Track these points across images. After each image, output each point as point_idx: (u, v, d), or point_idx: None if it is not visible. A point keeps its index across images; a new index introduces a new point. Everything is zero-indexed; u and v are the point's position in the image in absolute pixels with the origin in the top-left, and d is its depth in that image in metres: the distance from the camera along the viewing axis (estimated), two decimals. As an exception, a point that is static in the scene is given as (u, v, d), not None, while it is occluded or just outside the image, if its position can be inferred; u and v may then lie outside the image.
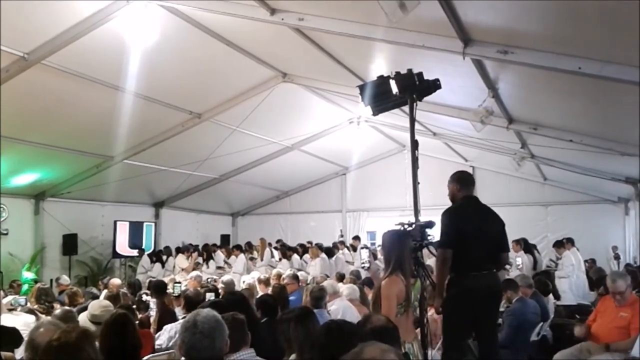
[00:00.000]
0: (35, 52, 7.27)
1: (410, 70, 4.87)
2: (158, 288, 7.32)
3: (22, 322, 5.45)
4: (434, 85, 4.92)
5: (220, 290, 7.95)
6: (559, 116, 8.60)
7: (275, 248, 15.11)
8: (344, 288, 7.10)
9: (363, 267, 10.56)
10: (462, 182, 4.92)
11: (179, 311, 6.79)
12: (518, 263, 10.55)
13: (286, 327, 3.59)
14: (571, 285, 10.62)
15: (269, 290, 7.40)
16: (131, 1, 6.69)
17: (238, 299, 4.78)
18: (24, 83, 7.80)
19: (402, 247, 4.35)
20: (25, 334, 4.56)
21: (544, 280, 8.43)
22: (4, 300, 6.44)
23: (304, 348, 3.45)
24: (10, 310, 6.07)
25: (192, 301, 5.87)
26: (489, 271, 4.72)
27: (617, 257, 13.56)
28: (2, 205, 11.84)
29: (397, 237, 4.46)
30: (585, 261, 11.96)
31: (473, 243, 4.61)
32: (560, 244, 11.52)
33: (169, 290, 7.74)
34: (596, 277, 9.78)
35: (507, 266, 10.67)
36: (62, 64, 7.79)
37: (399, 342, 3.27)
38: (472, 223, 4.69)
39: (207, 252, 14.70)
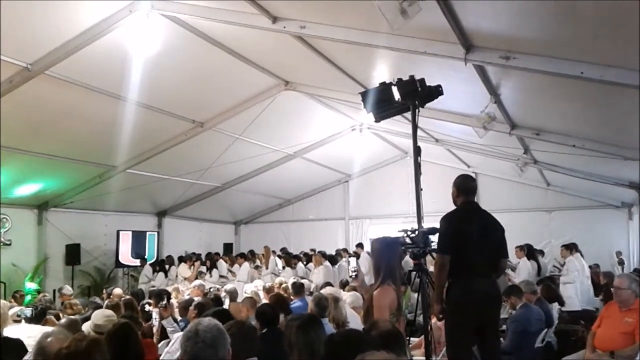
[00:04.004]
0: (39, 63, 7.31)
1: (412, 77, 4.87)
2: (160, 297, 7.30)
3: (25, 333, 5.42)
4: (436, 91, 4.92)
5: (223, 299, 7.94)
6: (562, 121, 8.59)
7: (279, 256, 15.10)
8: (347, 296, 7.07)
9: (351, 276, 10.56)
10: (460, 188, 4.89)
11: (166, 323, 6.75)
12: (511, 271, 10.60)
13: (289, 333, 3.58)
14: (577, 291, 10.56)
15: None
16: (133, 11, 6.72)
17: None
18: (27, 93, 7.82)
19: (392, 254, 4.30)
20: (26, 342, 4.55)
21: (550, 287, 8.39)
22: (10, 312, 6.43)
23: (302, 355, 3.43)
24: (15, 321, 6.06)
25: (205, 309, 5.84)
26: (487, 277, 4.69)
27: (621, 263, 13.50)
28: (5, 216, 11.87)
29: (387, 245, 4.41)
30: (590, 267, 11.90)
31: (471, 248, 4.57)
32: (568, 248, 11.35)
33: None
34: (605, 282, 9.74)
35: (510, 272, 10.69)
36: (65, 74, 7.81)
37: (404, 348, 3.26)
38: (470, 228, 4.65)
39: (210, 261, 14.68)
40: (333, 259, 13.56)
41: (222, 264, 14.63)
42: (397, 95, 4.88)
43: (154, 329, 7.05)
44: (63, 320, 5.47)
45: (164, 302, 7.03)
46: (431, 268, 4.93)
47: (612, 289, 5.68)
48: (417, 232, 4.57)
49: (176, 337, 5.78)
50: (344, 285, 9.50)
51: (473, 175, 14.55)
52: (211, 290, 9.76)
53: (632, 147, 8.24)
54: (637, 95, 5.35)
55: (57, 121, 9.27)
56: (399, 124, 9.69)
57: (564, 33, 5.14)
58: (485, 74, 6.81)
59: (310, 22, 6.34)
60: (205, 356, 2.67)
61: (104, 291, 10.41)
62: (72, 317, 6.11)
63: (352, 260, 12.64)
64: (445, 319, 4.68)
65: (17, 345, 4.53)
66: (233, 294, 8.33)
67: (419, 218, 4.69)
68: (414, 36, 5.75)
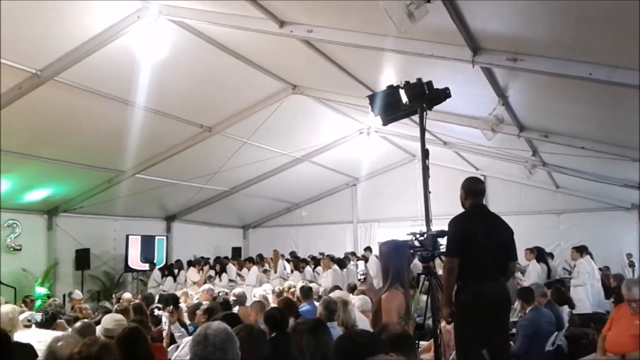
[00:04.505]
0: (48, 69, 7.36)
1: (419, 80, 4.87)
2: (167, 303, 7.31)
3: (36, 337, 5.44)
4: (444, 94, 4.92)
5: (232, 303, 7.94)
6: (570, 123, 8.55)
7: (287, 260, 15.10)
8: (355, 299, 7.06)
9: (359, 280, 10.52)
10: (469, 191, 4.86)
11: (173, 328, 6.75)
12: (521, 273, 10.54)
13: (299, 338, 3.58)
14: (587, 294, 10.48)
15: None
16: (142, 17, 6.76)
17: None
18: (36, 99, 7.88)
19: (400, 257, 4.30)
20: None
21: (560, 289, 8.34)
22: (21, 317, 6.46)
23: (314, 359, 3.44)
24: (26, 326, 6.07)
25: (214, 313, 5.85)
26: (496, 280, 4.67)
27: (631, 265, 13.41)
28: (15, 221, 11.95)
29: (395, 248, 4.40)
30: (600, 269, 11.82)
31: (480, 251, 4.54)
32: (579, 250, 11.26)
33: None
34: (616, 284, 9.66)
35: (519, 275, 10.65)
36: (73, 80, 7.86)
37: (414, 350, 3.26)
38: (479, 231, 4.62)
39: (220, 265, 14.71)
40: (341, 263, 13.54)
41: (231, 268, 14.64)
42: (404, 98, 4.89)
43: (164, 333, 7.06)
44: (77, 324, 5.48)
45: (171, 307, 7.06)
46: (440, 271, 4.91)
47: (626, 301, 5.54)
48: (425, 235, 4.56)
49: (185, 342, 5.79)
50: (352, 288, 9.47)
51: (481, 177, 14.47)
52: (220, 294, 9.76)
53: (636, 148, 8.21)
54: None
55: (66, 127, 9.33)
56: (406, 127, 9.68)
57: (571, 34, 5.11)
58: (493, 76, 6.80)
59: (317, 26, 6.35)
60: (215, 360, 2.67)
61: (114, 295, 10.45)
62: (86, 320, 6.12)
63: (361, 263, 12.67)
64: (455, 322, 4.66)
65: (28, 350, 4.55)
66: (242, 298, 8.32)
67: (428, 221, 4.69)
68: (421, 39, 5.75)
